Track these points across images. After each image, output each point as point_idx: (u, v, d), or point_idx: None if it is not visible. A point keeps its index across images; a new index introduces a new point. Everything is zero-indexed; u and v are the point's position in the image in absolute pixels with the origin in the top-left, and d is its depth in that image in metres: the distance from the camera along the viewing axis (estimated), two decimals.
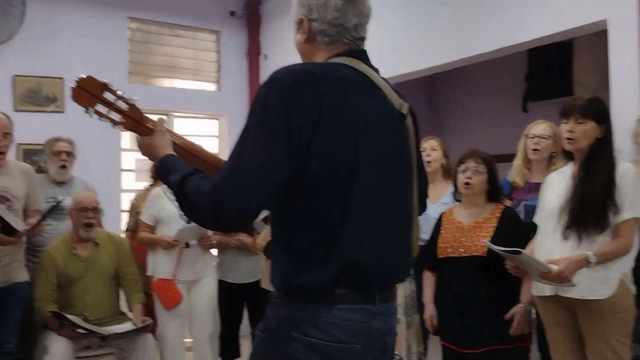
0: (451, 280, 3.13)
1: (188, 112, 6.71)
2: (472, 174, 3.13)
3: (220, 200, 1.42)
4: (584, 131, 2.74)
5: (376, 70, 1.68)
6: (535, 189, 3.48)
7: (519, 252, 2.60)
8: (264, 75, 6.88)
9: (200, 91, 6.80)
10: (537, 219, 2.98)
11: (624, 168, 2.73)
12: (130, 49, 6.33)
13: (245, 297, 4.40)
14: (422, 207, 1.85)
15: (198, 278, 4.16)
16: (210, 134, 6.90)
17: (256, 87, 6.95)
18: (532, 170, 3.60)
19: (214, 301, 4.19)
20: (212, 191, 1.44)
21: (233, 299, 4.35)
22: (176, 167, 1.57)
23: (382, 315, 1.58)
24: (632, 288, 2.74)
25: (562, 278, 2.58)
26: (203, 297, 4.14)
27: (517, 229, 3.07)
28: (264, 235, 1.90)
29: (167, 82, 6.66)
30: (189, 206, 1.49)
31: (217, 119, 6.97)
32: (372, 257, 1.53)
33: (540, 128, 3.57)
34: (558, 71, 6.30)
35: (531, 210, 3.24)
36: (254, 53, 6.99)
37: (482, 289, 3.03)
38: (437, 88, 7.74)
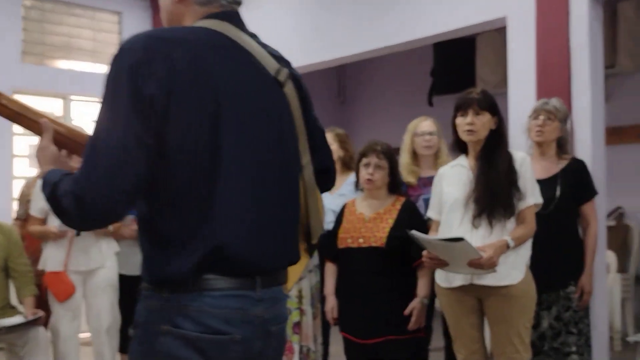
0: (350, 271, 3.15)
1: (87, 96, 6.42)
2: (373, 170, 3.15)
3: (81, 194, 1.31)
4: (482, 123, 2.83)
5: (254, 36, 1.55)
6: (429, 182, 3.54)
7: (462, 239, 2.62)
8: None
9: (100, 74, 6.52)
10: (431, 213, 3.04)
11: (520, 157, 2.85)
12: (24, 27, 5.97)
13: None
14: (327, 183, 1.75)
15: (93, 268, 3.97)
16: None
17: None
18: (421, 166, 3.69)
19: (112, 293, 4.01)
20: (73, 186, 1.33)
21: (131, 291, 4.20)
22: (49, 180, 1.42)
23: (264, 302, 1.44)
24: (530, 273, 2.86)
25: (491, 263, 2.65)
26: (98, 288, 3.96)
27: (415, 221, 3.12)
28: None
29: (64, 64, 6.35)
30: (62, 212, 1.37)
31: None
32: (241, 240, 1.40)
33: (427, 125, 3.68)
34: (461, 66, 6.50)
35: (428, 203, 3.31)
36: (159, 24, 6.75)
37: (380, 280, 3.06)
38: (347, 79, 7.81)
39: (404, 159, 3.67)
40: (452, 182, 2.94)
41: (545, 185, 3.19)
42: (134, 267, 4.18)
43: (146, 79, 1.32)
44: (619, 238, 5.57)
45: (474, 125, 2.82)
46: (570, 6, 3.82)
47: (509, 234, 2.75)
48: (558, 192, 3.22)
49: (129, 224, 4.02)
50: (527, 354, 2.79)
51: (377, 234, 3.08)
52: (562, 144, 3.37)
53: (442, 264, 2.80)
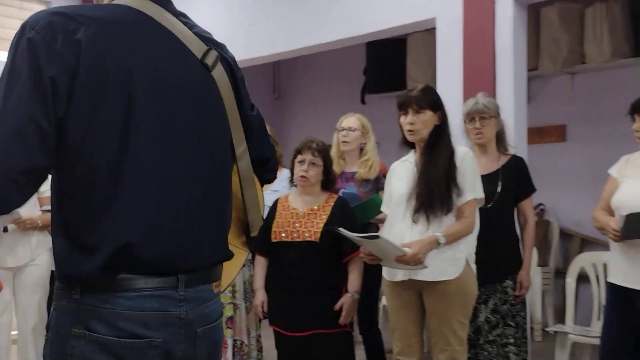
0: (283, 264, 3.17)
1: None
2: (308, 167, 3.18)
3: None
4: (423, 121, 2.85)
5: (180, 15, 1.43)
6: (351, 178, 3.68)
7: (377, 237, 2.65)
8: None
9: None
10: (383, 207, 3.09)
11: (462, 152, 2.87)
12: None
13: None
14: (268, 174, 1.65)
15: (21, 264, 3.87)
16: None
17: None
18: (346, 161, 3.77)
19: (41, 291, 3.91)
20: None
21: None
22: None
23: (189, 302, 1.34)
24: (474, 269, 2.91)
25: (416, 260, 2.67)
26: (26, 285, 3.86)
27: (348, 218, 3.18)
28: None
29: None
30: None
31: None
32: (151, 238, 1.29)
33: (349, 121, 3.75)
34: (393, 66, 6.63)
35: (348, 197, 3.41)
36: None
37: (312, 274, 3.09)
38: (282, 76, 7.83)
39: (332, 153, 3.75)
40: (400, 177, 2.98)
41: (487, 180, 3.25)
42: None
43: (48, 59, 1.22)
44: (540, 233, 5.81)
45: (414, 124, 2.85)
46: (496, 10, 3.97)
47: (443, 230, 2.77)
48: (499, 188, 3.28)
49: None
50: (460, 347, 2.83)
51: (312, 229, 3.12)
52: (501, 137, 3.42)
53: (378, 259, 2.83)
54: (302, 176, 3.18)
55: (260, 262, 3.34)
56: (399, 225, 2.86)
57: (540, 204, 6.02)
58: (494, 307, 3.27)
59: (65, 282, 1.30)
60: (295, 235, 3.13)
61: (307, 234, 3.11)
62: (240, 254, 1.57)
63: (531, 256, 3.37)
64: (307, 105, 7.42)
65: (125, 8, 1.34)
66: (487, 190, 3.21)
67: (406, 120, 2.87)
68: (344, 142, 3.71)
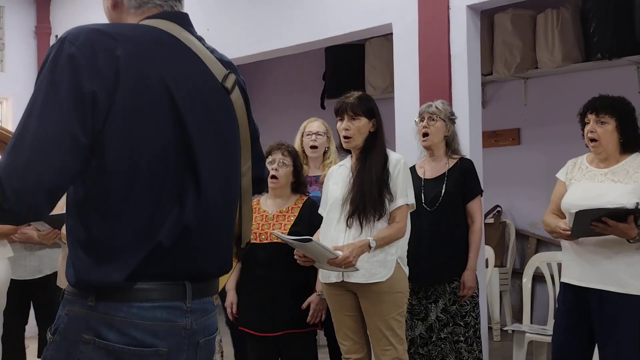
0: (252, 265, 3.18)
1: None
2: (278, 167, 3.21)
3: (1, 183, 1.22)
4: (357, 127, 2.94)
5: (200, 39, 1.50)
6: (315, 181, 3.72)
7: (309, 240, 2.71)
8: None
9: None
10: (321, 210, 3.14)
11: (395, 159, 2.96)
12: None
13: (32, 295, 4.09)
14: (259, 189, 1.74)
15: None
16: None
17: None
18: (309, 165, 3.81)
19: None
20: None
21: (16, 296, 4.02)
22: None
23: (194, 313, 1.40)
24: (406, 270, 3.00)
25: (347, 263, 2.74)
26: None
27: (315, 218, 3.19)
28: None
29: None
30: None
31: (0, 102, 6.38)
32: (186, 242, 1.36)
33: (315, 126, 3.79)
34: (351, 71, 6.68)
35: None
36: (43, 32, 6.50)
37: (280, 275, 3.12)
38: None
39: None
40: (336, 182, 3.05)
41: (433, 183, 3.36)
42: (23, 270, 4.02)
43: (89, 75, 1.27)
44: (496, 235, 5.93)
45: (348, 130, 2.94)
46: (450, 16, 4.04)
47: (374, 234, 2.85)
48: (443, 190, 3.35)
49: (21, 227, 3.84)
50: (401, 346, 2.91)
51: (279, 231, 3.13)
52: (449, 143, 3.48)
53: (311, 261, 2.90)
54: (272, 176, 3.20)
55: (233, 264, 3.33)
56: (334, 229, 2.94)
57: (497, 206, 6.14)
58: (444, 306, 3.34)
59: (80, 289, 1.34)
60: (263, 237, 3.15)
61: (274, 236, 3.12)
62: (232, 265, 1.65)
63: (476, 257, 3.40)
64: (266, 109, 7.41)
65: (155, 29, 1.41)
66: (432, 193, 3.28)
67: (342, 126, 2.96)
68: (313, 147, 3.74)
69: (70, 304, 1.36)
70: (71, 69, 1.26)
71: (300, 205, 3.25)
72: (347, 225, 2.91)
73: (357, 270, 2.80)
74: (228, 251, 1.54)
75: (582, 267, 2.86)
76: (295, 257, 2.94)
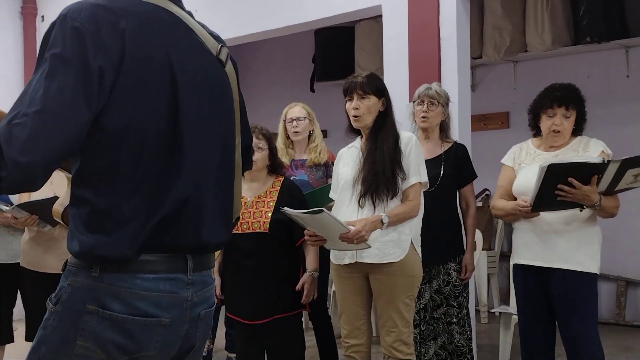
0: (236, 255, 3.16)
1: None
2: (254, 151, 3.18)
3: (2, 153, 1.21)
4: (367, 106, 2.90)
5: (190, 14, 1.52)
6: (301, 165, 3.75)
7: (321, 211, 2.66)
8: (41, 37, 6.37)
9: None
10: (332, 194, 3.12)
11: (407, 137, 2.92)
12: None
13: (18, 278, 4.08)
14: (248, 163, 1.74)
15: None
16: None
17: (32, 49, 6.42)
18: (295, 149, 3.82)
19: None
20: None
21: (3, 280, 4.01)
22: None
23: (195, 285, 1.44)
24: (419, 251, 2.97)
25: (359, 237, 2.71)
26: None
27: (295, 200, 3.17)
28: (62, 200, 1.66)
29: None
30: None
31: None
32: (189, 213, 1.39)
33: (296, 111, 3.79)
34: (341, 54, 6.66)
35: (299, 184, 3.44)
36: (29, 13, 6.42)
37: (265, 262, 3.10)
38: None
39: (278, 144, 3.76)
40: (347, 163, 3.02)
41: (430, 165, 3.33)
42: (5, 254, 4.01)
43: (95, 50, 1.27)
44: (485, 218, 5.95)
45: (358, 109, 2.90)
46: None
47: (388, 211, 2.83)
48: (442, 172, 3.37)
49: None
50: (406, 329, 2.90)
51: (260, 220, 3.11)
52: (444, 128, 3.50)
53: (322, 241, 2.88)
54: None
55: None
56: (346, 210, 2.91)
57: (485, 190, 6.16)
58: (438, 287, 3.39)
59: (85, 260, 1.35)
60: (245, 226, 3.12)
61: (256, 225, 3.10)
62: None
63: (474, 240, 3.45)
64: (255, 92, 7.38)
65: (152, 4, 1.41)
66: (430, 174, 3.29)
67: (351, 105, 2.92)
68: (295, 132, 3.76)
69: (73, 275, 1.37)
70: (78, 44, 1.26)
71: (278, 188, 3.22)
72: (359, 205, 2.87)
73: (369, 247, 2.77)
74: (228, 223, 1.56)
75: (541, 248, 2.91)
76: (305, 237, 2.92)
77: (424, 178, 2.94)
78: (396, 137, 2.90)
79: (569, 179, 2.68)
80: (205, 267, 1.49)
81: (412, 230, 2.92)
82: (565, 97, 2.94)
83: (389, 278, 2.86)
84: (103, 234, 1.32)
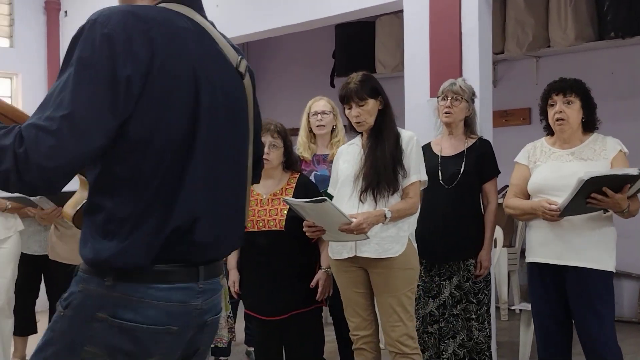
0: (252, 252, 3.17)
1: None
2: (269, 149, 3.17)
3: (26, 155, 1.21)
4: (367, 111, 2.95)
5: (212, 23, 1.52)
6: (323, 160, 3.73)
7: (324, 200, 2.71)
8: (64, 32, 6.44)
9: None
10: (330, 189, 3.14)
11: (407, 136, 2.99)
12: None
13: (44, 270, 4.14)
14: (257, 175, 1.76)
15: None
16: (1, 94, 6.31)
17: (55, 44, 6.49)
18: (317, 144, 3.81)
19: (9, 272, 3.86)
20: (14, 144, 1.21)
21: (28, 271, 4.08)
22: None
23: (205, 293, 1.44)
24: (415, 246, 3.02)
25: (360, 229, 2.76)
26: None
27: (311, 195, 3.17)
28: (74, 202, 1.67)
29: None
30: None
31: (10, 78, 6.39)
32: (203, 226, 1.39)
33: (320, 105, 3.78)
34: (361, 49, 6.64)
35: (320, 179, 3.47)
36: (52, 8, 6.49)
37: (281, 259, 3.11)
38: (250, 57, 7.78)
39: (301, 138, 3.77)
40: (347, 160, 3.07)
41: (452, 161, 3.37)
42: (36, 245, 4.08)
43: (125, 58, 1.26)
44: (506, 215, 5.89)
45: (359, 116, 2.95)
46: None
47: (390, 206, 2.88)
48: (462, 169, 3.36)
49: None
50: (410, 322, 2.94)
51: (276, 217, 3.12)
52: (469, 123, 3.49)
53: (321, 232, 2.92)
54: (263, 158, 3.17)
55: None
56: (346, 205, 2.93)
57: (506, 186, 6.10)
58: (458, 283, 3.38)
59: (98, 268, 1.34)
60: (261, 224, 3.13)
61: (272, 223, 3.11)
62: None
63: (492, 237, 3.44)
64: (276, 88, 7.40)
65: (177, 13, 1.41)
66: (451, 171, 3.29)
67: (352, 113, 2.97)
68: (320, 125, 3.74)
69: (85, 282, 1.37)
70: (109, 51, 1.26)
71: (294, 185, 3.22)
72: (360, 200, 2.92)
73: (368, 238, 2.81)
74: (240, 234, 1.58)
75: (556, 246, 2.91)
76: (304, 228, 2.94)
77: (424, 176, 3.01)
78: (397, 135, 2.97)
79: (604, 188, 2.72)
80: (215, 275, 1.50)
81: (410, 226, 2.99)
82: (563, 86, 2.97)
83: (389, 272, 2.91)
84: (119, 242, 1.32)
